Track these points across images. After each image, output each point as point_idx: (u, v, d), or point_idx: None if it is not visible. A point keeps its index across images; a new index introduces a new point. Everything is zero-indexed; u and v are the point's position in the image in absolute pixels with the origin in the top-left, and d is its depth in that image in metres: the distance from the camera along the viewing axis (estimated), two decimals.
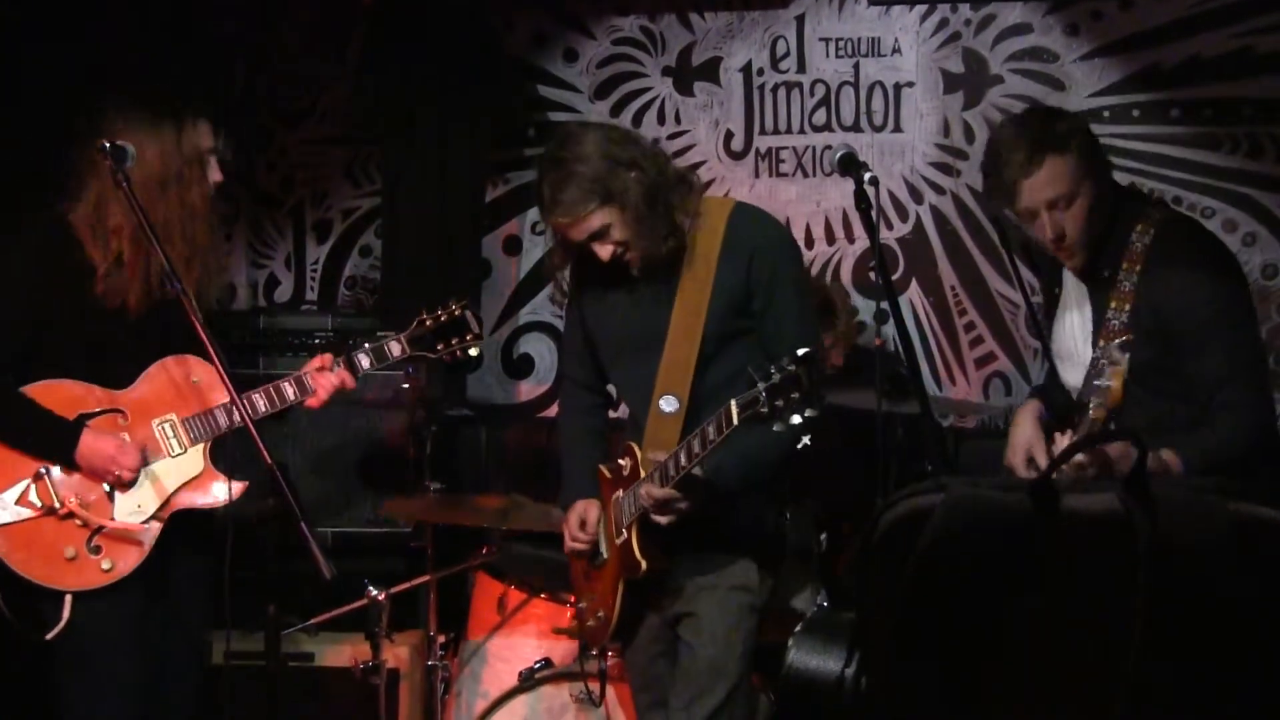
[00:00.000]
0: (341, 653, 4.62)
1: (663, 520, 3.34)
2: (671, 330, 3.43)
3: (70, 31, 4.86)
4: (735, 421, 3.05)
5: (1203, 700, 1.66)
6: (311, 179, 5.94)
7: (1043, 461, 3.34)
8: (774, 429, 2.99)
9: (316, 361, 3.73)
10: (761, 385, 2.97)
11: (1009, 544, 1.67)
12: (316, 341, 5.11)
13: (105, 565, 3.51)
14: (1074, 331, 3.42)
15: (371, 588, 4.23)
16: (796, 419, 2.95)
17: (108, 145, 3.43)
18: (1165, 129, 5.27)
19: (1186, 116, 5.31)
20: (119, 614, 3.55)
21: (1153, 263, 3.24)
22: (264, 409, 3.62)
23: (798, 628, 3.25)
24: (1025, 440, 3.39)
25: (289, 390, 3.65)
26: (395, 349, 3.78)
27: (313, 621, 4.57)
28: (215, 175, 3.68)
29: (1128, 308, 3.24)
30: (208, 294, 3.69)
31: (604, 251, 3.41)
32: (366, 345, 3.77)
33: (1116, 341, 3.07)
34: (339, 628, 4.61)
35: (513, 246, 5.80)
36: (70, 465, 3.52)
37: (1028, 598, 1.69)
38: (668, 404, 3.42)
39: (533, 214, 5.74)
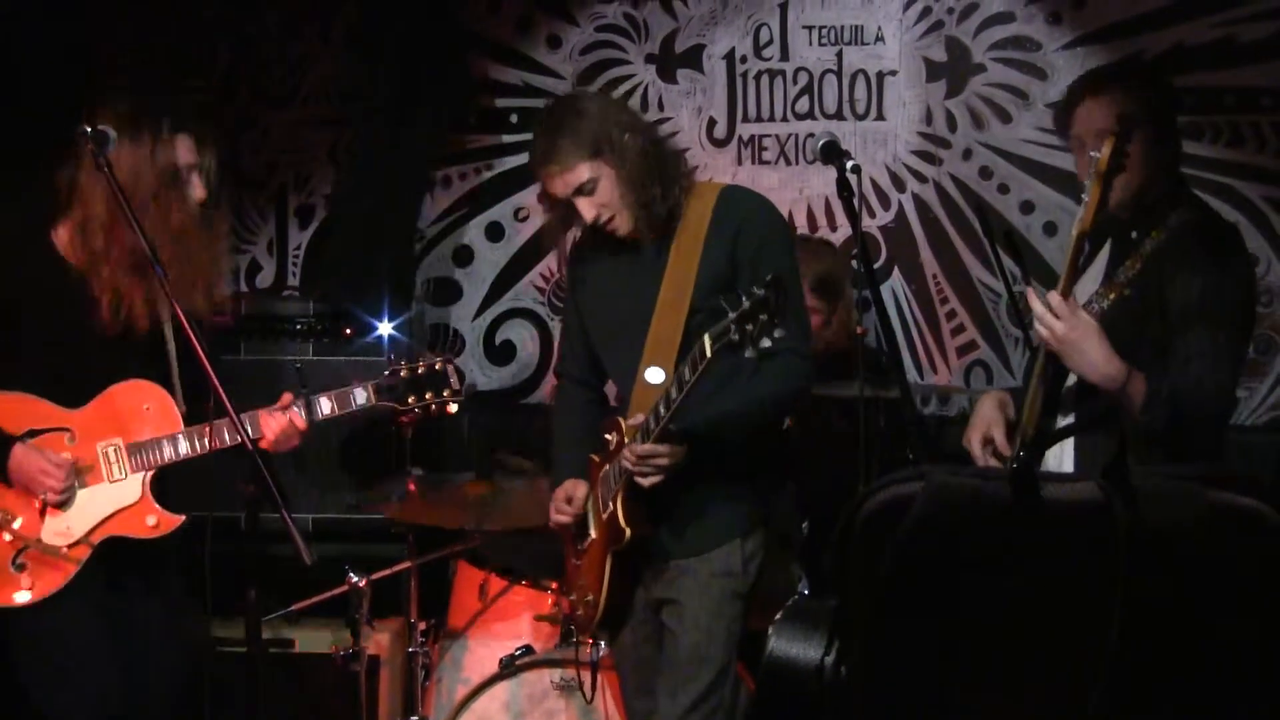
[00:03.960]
0: (322, 639, 4.62)
1: (646, 482, 3.31)
2: (659, 305, 3.43)
3: (62, 11, 4.81)
4: (709, 354, 3.03)
5: (1179, 687, 1.67)
6: (294, 163, 5.92)
7: (1001, 442, 3.36)
8: (745, 356, 2.96)
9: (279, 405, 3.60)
10: (731, 314, 2.96)
11: (989, 532, 1.67)
12: (298, 327, 5.10)
13: (25, 583, 3.44)
14: (1084, 287, 3.41)
15: (352, 574, 4.23)
16: (766, 342, 2.93)
17: (89, 130, 3.34)
18: None
19: None
20: (81, 611, 3.49)
21: (1179, 235, 3.28)
22: (228, 440, 3.50)
23: (778, 615, 3.25)
24: (985, 420, 3.41)
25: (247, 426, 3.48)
26: (360, 397, 3.65)
27: (293, 608, 4.57)
28: (197, 193, 3.53)
29: (1138, 266, 3.29)
30: (205, 312, 3.55)
31: (588, 211, 3.39)
32: (330, 391, 3.64)
33: (1112, 296, 3.26)
34: (319, 614, 4.61)
35: (495, 233, 5.79)
36: (4, 480, 3.45)
37: (1007, 586, 1.69)
38: (653, 375, 3.42)
39: (515, 200, 5.73)
